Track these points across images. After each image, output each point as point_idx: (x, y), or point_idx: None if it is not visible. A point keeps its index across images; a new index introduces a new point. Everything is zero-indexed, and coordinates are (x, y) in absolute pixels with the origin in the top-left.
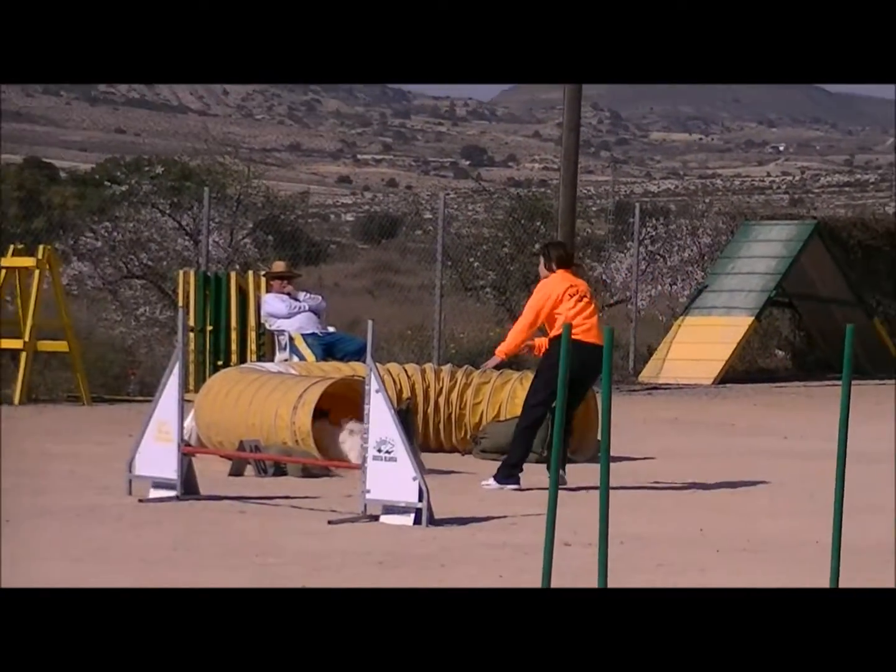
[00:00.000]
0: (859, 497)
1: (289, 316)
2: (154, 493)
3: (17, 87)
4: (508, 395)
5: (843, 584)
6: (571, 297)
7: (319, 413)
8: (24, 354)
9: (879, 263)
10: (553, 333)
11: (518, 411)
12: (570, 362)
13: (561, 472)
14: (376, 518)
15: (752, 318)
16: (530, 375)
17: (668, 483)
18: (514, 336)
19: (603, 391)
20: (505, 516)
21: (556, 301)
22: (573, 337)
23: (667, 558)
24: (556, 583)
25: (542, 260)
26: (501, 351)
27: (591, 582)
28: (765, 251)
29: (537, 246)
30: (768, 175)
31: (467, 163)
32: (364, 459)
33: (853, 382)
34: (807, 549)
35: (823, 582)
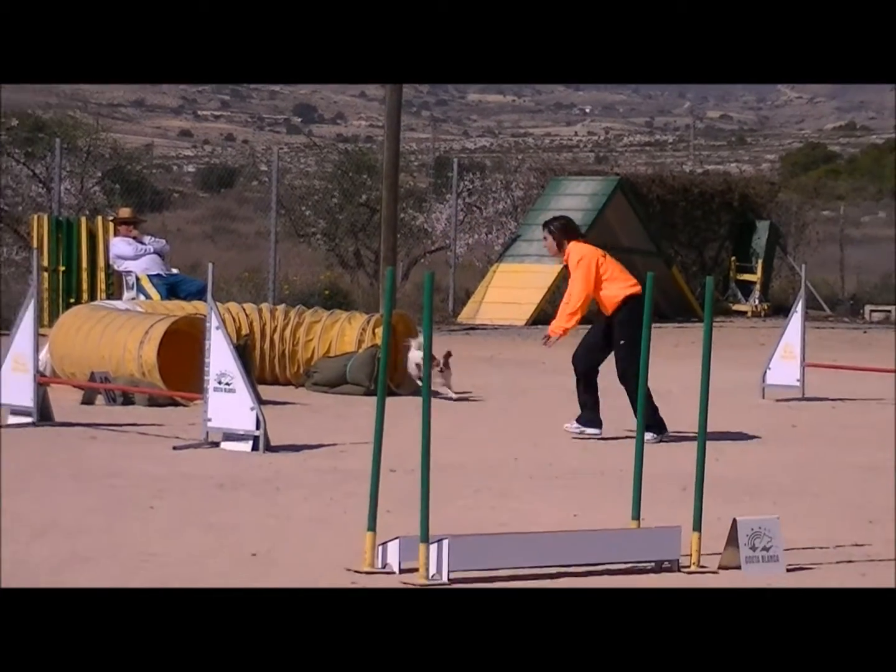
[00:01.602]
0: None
1: (135, 258)
2: (12, 420)
3: None
4: (338, 333)
5: (643, 505)
6: (605, 258)
7: (164, 346)
8: None
9: (676, 217)
10: (626, 293)
11: (346, 348)
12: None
13: (650, 435)
14: (217, 444)
15: (561, 266)
16: (358, 315)
17: (484, 416)
18: (575, 312)
19: (424, 331)
20: (335, 444)
21: (598, 266)
22: (636, 292)
23: (484, 484)
24: (382, 505)
25: (549, 237)
26: (560, 328)
27: (415, 505)
28: (572, 204)
29: (364, 197)
30: (576, 135)
31: (299, 119)
32: (205, 390)
33: (654, 325)
34: (609, 477)
35: (626, 506)
